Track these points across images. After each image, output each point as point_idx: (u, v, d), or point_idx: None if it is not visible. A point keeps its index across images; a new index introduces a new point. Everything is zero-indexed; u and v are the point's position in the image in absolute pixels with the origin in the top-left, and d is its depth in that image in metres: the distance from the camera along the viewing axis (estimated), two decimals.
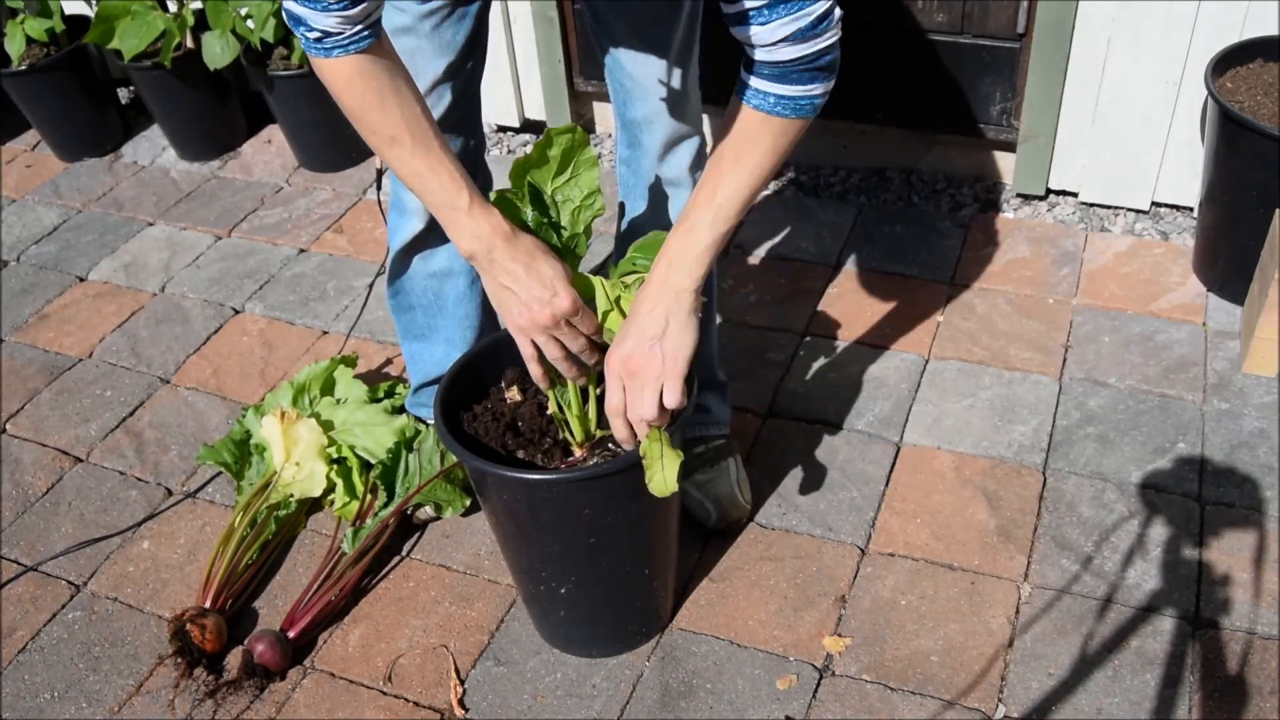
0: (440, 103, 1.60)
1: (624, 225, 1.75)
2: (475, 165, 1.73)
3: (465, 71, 1.61)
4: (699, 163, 1.69)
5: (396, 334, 1.94)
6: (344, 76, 1.29)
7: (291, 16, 1.26)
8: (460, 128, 1.66)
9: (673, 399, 1.36)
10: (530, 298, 1.38)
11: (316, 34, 1.25)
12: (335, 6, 1.21)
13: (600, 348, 1.43)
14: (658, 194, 1.70)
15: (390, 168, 1.38)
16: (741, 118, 1.29)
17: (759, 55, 1.23)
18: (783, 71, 1.23)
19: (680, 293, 1.35)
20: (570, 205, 1.45)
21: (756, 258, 2.52)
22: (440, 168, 1.34)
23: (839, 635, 1.70)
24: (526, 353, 1.44)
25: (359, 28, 1.25)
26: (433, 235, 1.75)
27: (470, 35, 1.58)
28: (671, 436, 1.39)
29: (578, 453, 1.53)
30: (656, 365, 1.35)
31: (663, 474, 1.34)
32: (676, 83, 1.59)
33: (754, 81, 1.25)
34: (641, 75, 1.57)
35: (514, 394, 1.60)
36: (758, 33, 1.20)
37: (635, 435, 1.40)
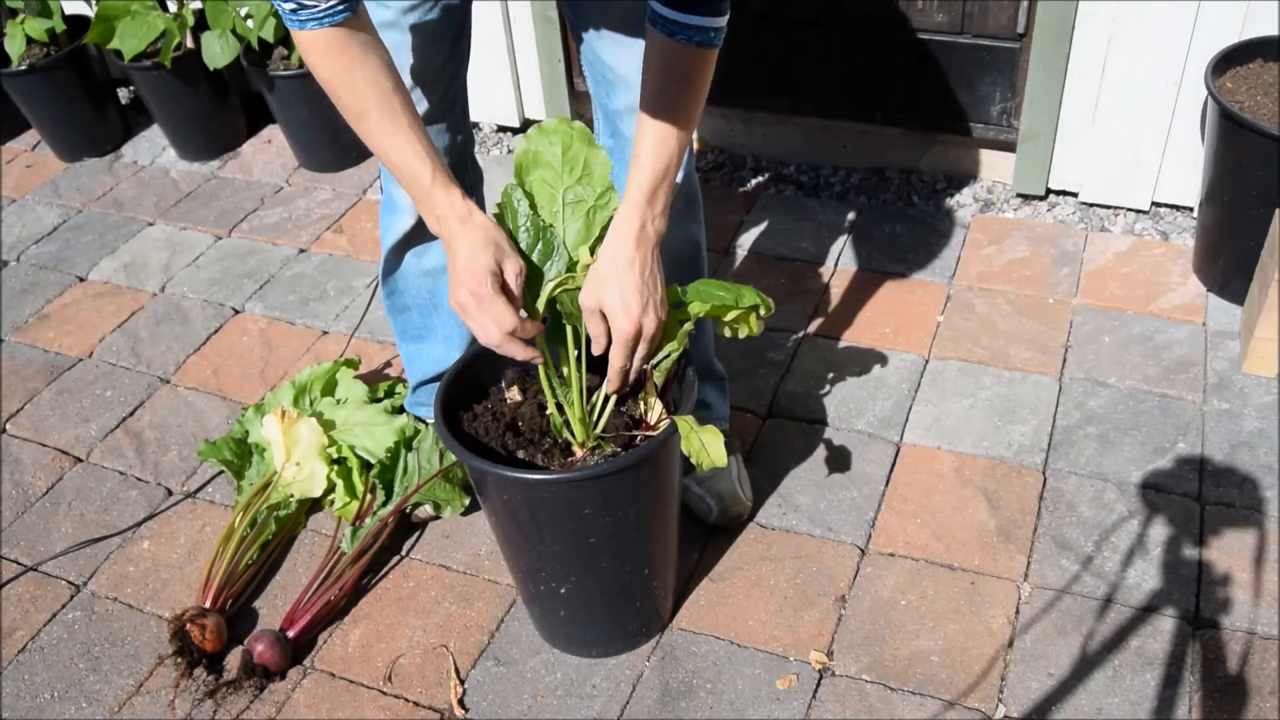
0: (425, 98, 1.61)
1: None
2: (464, 160, 1.74)
3: (450, 67, 1.62)
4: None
5: (393, 335, 1.94)
6: (318, 49, 1.31)
7: None
8: (447, 122, 1.66)
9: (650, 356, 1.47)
10: (453, 279, 1.40)
11: (292, 5, 1.27)
12: None
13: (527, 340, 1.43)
14: None
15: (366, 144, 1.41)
16: (681, 56, 1.34)
17: None
18: (712, 3, 1.30)
19: (658, 234, 1.42)
20: (584, 205, 1.46)
21: (756, 258, 2.52)
22: (406, 145, 1.37)
23: (826, 653, 1.70)
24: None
25: (334, 2, 1.27)
26: (424, 232, 1.75)
27: (454, 30, 1.59)
28: (685, 403, 1.47)
29: (578, 453, 1.53)
30: (654, 324, 1.42)
31: (709, 454, 1.39)
32: None
33: (688, 18, 1.30)
34: (622, 67, 1.58)
35: (514, 394, 1.60)
36: None
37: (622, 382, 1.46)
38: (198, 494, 2.07)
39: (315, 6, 1.27)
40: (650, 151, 1.39)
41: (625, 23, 1.54)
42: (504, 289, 1.39)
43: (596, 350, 1.45)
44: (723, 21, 1.33)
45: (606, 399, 1.51)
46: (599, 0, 1.54)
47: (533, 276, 1.45)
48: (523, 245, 1.46)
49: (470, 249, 1.39)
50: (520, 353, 1.41)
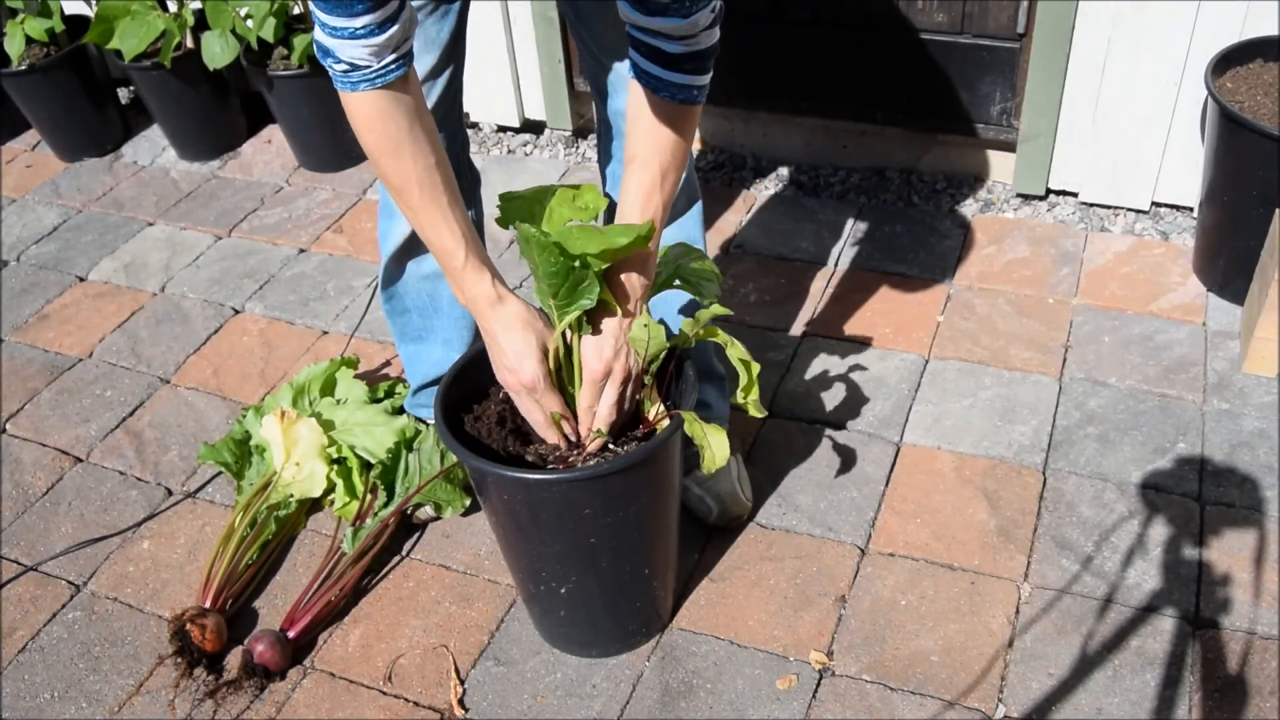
0: (426, 102, 1.61)
1: (608, 215, 1.76)
2: (460, 163, 1.74)
3: (447, 69, 1.63)
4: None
5: (393, 337, 1.94)
6: (367, 115, 1.29)
7: (320, 48, 1.25)
8: (446, 126, 1.67)
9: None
10: (500, 365, 1.44)
11: (344, 66, 1.24)
12: (362, 32, 1.20)
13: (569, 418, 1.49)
14: None
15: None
16: (664, 111, 1.34)
17: (679, 48, 1.27)
18: (699, 61, 1.30)
19: (644, 286, 1.43)
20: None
21: (756, 258, 2.52)
22: (442, 222, 1.37)
23: (826, 653, 1.70)
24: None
25: (389, 59, 1.24)
26: None
27: (452, 33, 1.59)
28: (685, 401, 1.49)
29: (579, 448, 1.52)
30: (622, 370, 1.44)
31: (713, 450, 1.41)
32: None
33: (672, 76, 1.30)
34: (623, 70, 1.58)
35: None
36: (680, 25, 1.24)
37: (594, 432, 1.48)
38: (198, 494, 2.07)
39: (369, 66, 1.24)
40: (636, 209, 1.39)
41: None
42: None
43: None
44: (706, 80, 1.33)
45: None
46: (600, 1, 1.54)
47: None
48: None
49: (514, 338, 1.41)
50: (552, 437, 1.48)
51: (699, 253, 1.56)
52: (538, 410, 1.45)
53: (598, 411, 1.45)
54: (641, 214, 1.39)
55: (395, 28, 1.22)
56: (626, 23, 1.29)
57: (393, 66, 1.25)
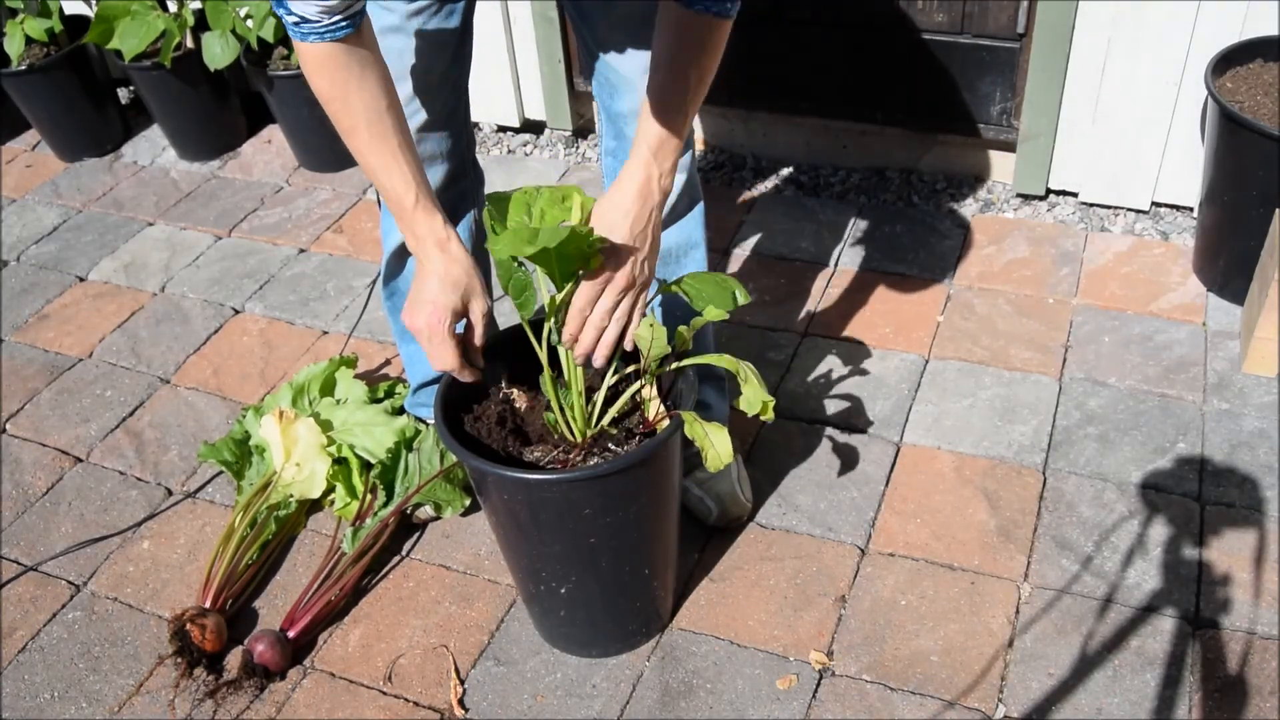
0: (433, 102, 1.61)
1: None
2: (466, 162, 1.74)
3: (453, 71, 1.63)
4: (685, 148, 1.70)
5: (393, 335, 1.94)
6: (317, 60, 1.32)
7: None
8: (451, 125, 1.67)
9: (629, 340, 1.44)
10: (409, 299, 1.44)
11: (295, 18, 1.28)
12: None
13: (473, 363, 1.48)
14: None
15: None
16: (696, 25, 1.33)
17: None
18: None
19: (663, 192, 1.40)
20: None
21: (756, 258, 2.52)
22: (393, 164, 1.39)
23: (826, 653, 1.70)
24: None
25: (337, 18, 1.28)
26: None
27: (458, 33, 1.59)
28: (685, 401, 1.48)
29: (579, 445, 1.52)
30: (627, 277, 1.39)
31: (715, 449, 1.41)
32: None
33: None
34: (626, 70, 1.58)
35: (515, 396, 1.60)
36: None
37: (582, 346, 1.42)
38: (198, 494, 2.07)
39: (318, 22, 1.28)
40: (658, 108, 1.37)
41: (630, 24, 1.54)
42: (466, 326, 1.46)
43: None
44: None
45: (607, 401, 1.51)
46: (603, 0, 1.54)
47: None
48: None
49: (440, 280, 1.42)
50: (462, 377, 1.48)
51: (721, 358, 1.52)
52: (437, 360, 1.45)
53: (589, 317, 1.39)
54: (660, 112, 1.36)
55: None
56: None
57: (341, 24, 1.29)
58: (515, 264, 1.47)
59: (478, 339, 1.47)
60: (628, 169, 1.41)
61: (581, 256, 1.36)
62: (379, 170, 1.39)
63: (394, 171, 1.39)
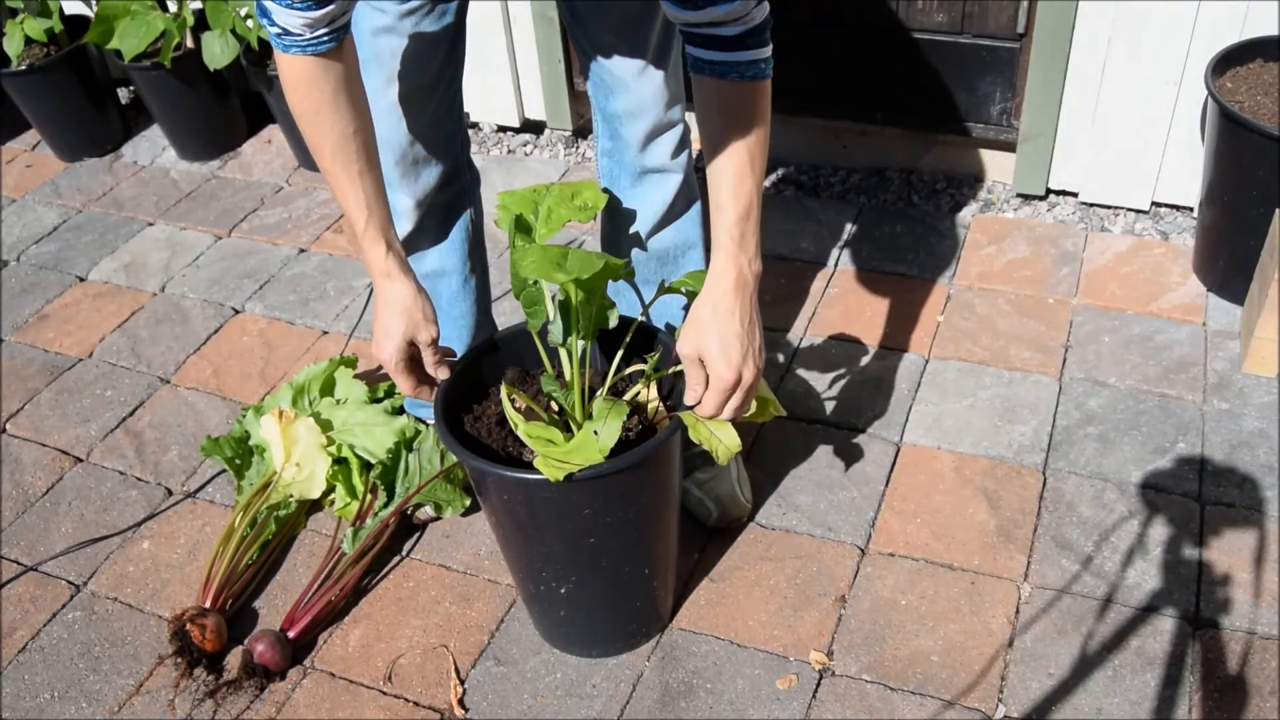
0: (427, 103, 1.61)
1: (607, 217, 1.75)
2: (460, 163, 1.74)
3: (447, 71, 1.63)
4: (681, 148, 1.70)
5: None
6: (295, 76, 1.35)
7: (260, 8, 1.30)
8: (446, 125, 1.67)
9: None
10: (375, 333, 1.52)
11: (278, 30, 1.29)
12: (299, 6, 1.25)
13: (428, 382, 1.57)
14: (640, 184, 1.70)
15: None
16: (738, 95, 1.32)
17: (736, 30, 1.26)
18: (758, 35, 1.29)
19: (756, 277, 1.39)
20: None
21: None
22: (349, 189, 1.44)
23: (826, 653, 1.70)
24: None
25: (321, 32, 1.29)
26: (422, 237, 1.75)
27: (451, 34, 1.59)
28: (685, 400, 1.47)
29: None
30: (752, 374, 1.40)
31: (722, 442, 1.42)
32: (656, 77, 1.60)
33: (737, 56, 1.29)
34: (621, 71, 1.58)
35: (515, 394, 1.60)
36: (731, 9, 1.24)
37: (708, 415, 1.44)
38: (198, 494, 2.07)
39: (301, 35, 1.29)
40: (730, 195, 1.35)
41: (624, 24, 1.54)
42: (416, 354, 1.53)
43: (690, 400, 1.43)
44: (769, 51, 1.31)
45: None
46: (597, 1, 1.54)
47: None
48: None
49: (386, 316, 1.50)
50: (421, 397, 1.57)
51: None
52: (399, 388, 1.56)
53: (719, 417, 1.42)
54: (735, 199, 1.35)
55: (332, 6, 1.27)
56: (679, 24, 1.28)
57: (324, 38, 1.31)
58: (529, 280, 1.48)
59: (429, 367, 1.55)
60: (718, 264, 1.38)
61: (604, 279, 1.38)
62: (337, 191, 1.45)
63: (350, 196, 1.44)
